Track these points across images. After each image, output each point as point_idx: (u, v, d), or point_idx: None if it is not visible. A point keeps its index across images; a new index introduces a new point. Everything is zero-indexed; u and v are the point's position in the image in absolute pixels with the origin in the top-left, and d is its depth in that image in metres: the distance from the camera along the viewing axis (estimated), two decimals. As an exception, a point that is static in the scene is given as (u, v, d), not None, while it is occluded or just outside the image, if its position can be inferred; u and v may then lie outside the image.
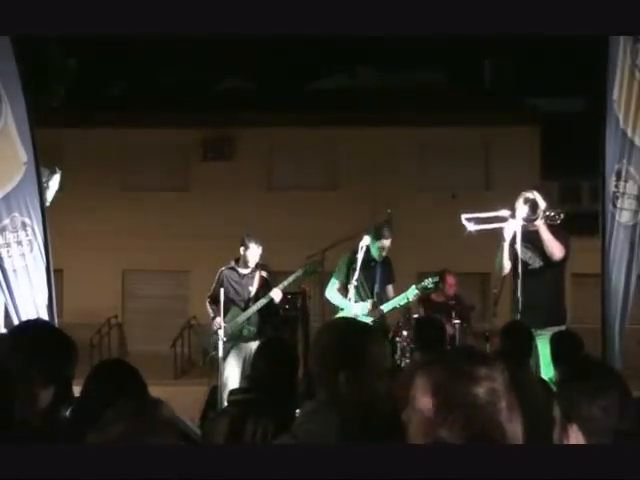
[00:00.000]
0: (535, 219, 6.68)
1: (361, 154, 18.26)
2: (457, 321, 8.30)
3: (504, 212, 6.75)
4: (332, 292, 7.71)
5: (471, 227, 6.87)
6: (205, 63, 19.56)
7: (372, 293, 7.64)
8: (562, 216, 6.85)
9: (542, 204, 6.69)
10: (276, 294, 7.58)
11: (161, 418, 1.84)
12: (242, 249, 7.69)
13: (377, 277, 7.67)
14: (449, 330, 7.85)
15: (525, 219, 6.66)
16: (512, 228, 6.67)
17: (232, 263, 7.82)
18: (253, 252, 7.66)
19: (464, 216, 6.91)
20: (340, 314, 7.54)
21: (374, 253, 7.57)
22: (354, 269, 7.38)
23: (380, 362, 2.47)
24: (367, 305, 7.50)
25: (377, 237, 7.53)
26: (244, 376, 7.21)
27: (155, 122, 18.32)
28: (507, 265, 6.85)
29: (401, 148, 18.24)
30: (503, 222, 6.76)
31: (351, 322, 2.96)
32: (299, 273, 7.67)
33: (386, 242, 7.58)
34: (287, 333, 10.17)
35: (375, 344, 2.49)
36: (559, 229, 6.86)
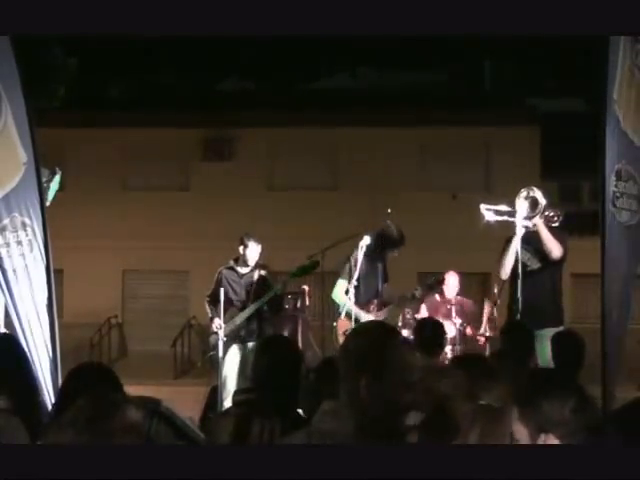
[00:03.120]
0: (535, 216, 6.67)
1: (361, 154, 18.25)
2: (458, 321, 8.30)
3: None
4: (338, 293, 7.69)
5: (490, 217, 6.86)
6: (205, 63, 19.55)
7: (377, 292, 7.67)
8: (561, 218, 6.84)
9: (542, 201, 6.68)
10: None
11: (124, 420, 1.82)
12: (241, 248, 7.68)
13: (379, 276, 7.69)
14: (450, 330, 7.85)
15: (525, 216, 6.65)
16: (521, 224, 6.66)
17: (231, 263, 7.80)
18: (252, 251, 7.64)
19: (483, 206, 6.90)
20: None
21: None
22: (355, 269, 7.39)
23: (405, 370, 2.42)
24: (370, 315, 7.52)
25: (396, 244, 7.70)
26: (243, 376, 7.20)
27: (155, 122, 18.31)
28: (509, 265, 6.80)
29: (401, 148, 18.23)
30: (514, 217, 6.75)
31: (380, 327, 2.88)
32: (295, 272, 7.63)
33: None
34: (287, 333, 10.16)
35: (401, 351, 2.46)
36: (557, 229, 6.85)
